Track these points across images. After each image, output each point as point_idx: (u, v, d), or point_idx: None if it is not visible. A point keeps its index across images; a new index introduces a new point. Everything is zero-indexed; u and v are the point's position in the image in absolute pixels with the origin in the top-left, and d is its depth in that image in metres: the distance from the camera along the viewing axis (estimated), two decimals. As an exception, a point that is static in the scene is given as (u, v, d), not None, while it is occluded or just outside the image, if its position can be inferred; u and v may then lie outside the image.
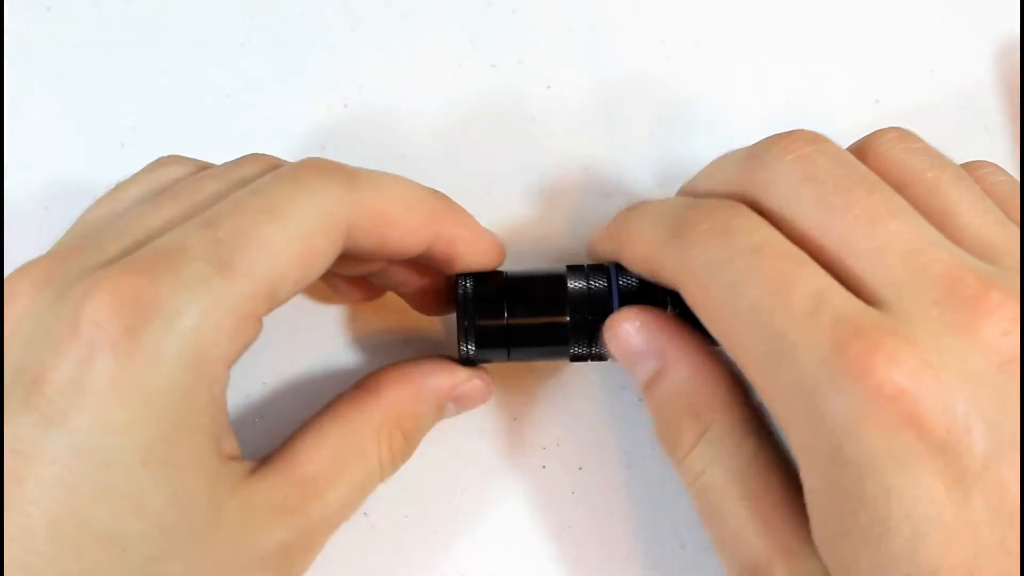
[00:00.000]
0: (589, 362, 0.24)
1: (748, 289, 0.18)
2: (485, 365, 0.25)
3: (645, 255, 0.22)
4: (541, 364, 0.27)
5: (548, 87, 0.30)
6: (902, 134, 0.21)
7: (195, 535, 0.18)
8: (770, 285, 0.18)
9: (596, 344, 0.23)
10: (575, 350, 0.24)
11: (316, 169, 0.21)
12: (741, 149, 0.21)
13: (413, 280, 0.25)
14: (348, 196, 0.20)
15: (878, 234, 0.18)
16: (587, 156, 0.29)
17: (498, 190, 0.29)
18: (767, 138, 0.20)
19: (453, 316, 0.23)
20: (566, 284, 0.23)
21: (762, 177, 0.20)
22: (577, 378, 0.27)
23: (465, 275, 0.24)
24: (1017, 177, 0.22)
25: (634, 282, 0.23)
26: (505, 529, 0.26)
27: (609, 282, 0.23)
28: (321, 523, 0.21)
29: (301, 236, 0.19)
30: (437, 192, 0.23)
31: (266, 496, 0.20)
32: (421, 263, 0.24)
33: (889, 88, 0.30)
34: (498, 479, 0.27)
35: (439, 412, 0.24)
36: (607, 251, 0.24)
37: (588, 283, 0.23)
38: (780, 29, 0.31)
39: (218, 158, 0.29)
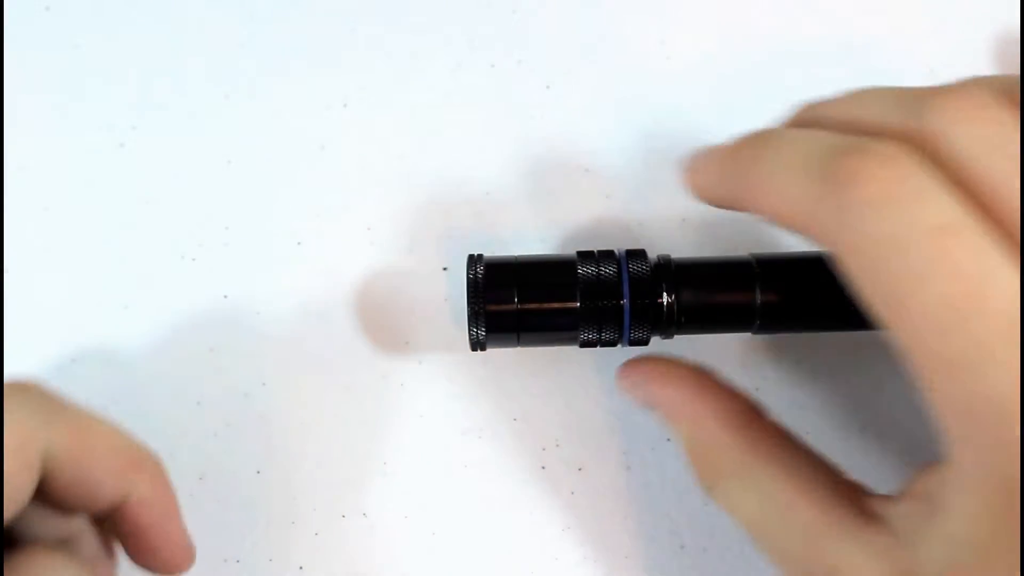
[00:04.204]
0: (598, 348, 0.24)
1: (937, 283, 0.16)
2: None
3: (787, 211, 0.18)
4: (541, 363, 0.27)
5: (548, 87, 0.30)
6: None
7: None
8: (965, 282, 0.16)
9: (605, 330, 0.23)
10: (585, 336, 0.24)
11: (15, 390, 0.20)
12: (899, 89, 0.19)
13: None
14: (46, 419, 0.20)
15: None
16: (587, 156, 0.29)
17: (498, 190, 0.29)
18: (942, 88, 0.18)
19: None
20: (576, 270, 0.24)
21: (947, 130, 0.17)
22: (577, 378, 0.27)
23: (475, 260, 0.24)
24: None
25: (645, 269, 0.23)
26: (505, 530, 0.26)
27: (619, 268, 0.24)
28: None
29: None
30: (147, 450, 0.22)
31: None
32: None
33: (889, 88, 0.30)
34: (498, 479, 0.27)
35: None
36: (724, 194, 0.21)
37: (598, 269, 0.24)
38: (780, 29, 0.31)
39: (218, 158, 0.29)
